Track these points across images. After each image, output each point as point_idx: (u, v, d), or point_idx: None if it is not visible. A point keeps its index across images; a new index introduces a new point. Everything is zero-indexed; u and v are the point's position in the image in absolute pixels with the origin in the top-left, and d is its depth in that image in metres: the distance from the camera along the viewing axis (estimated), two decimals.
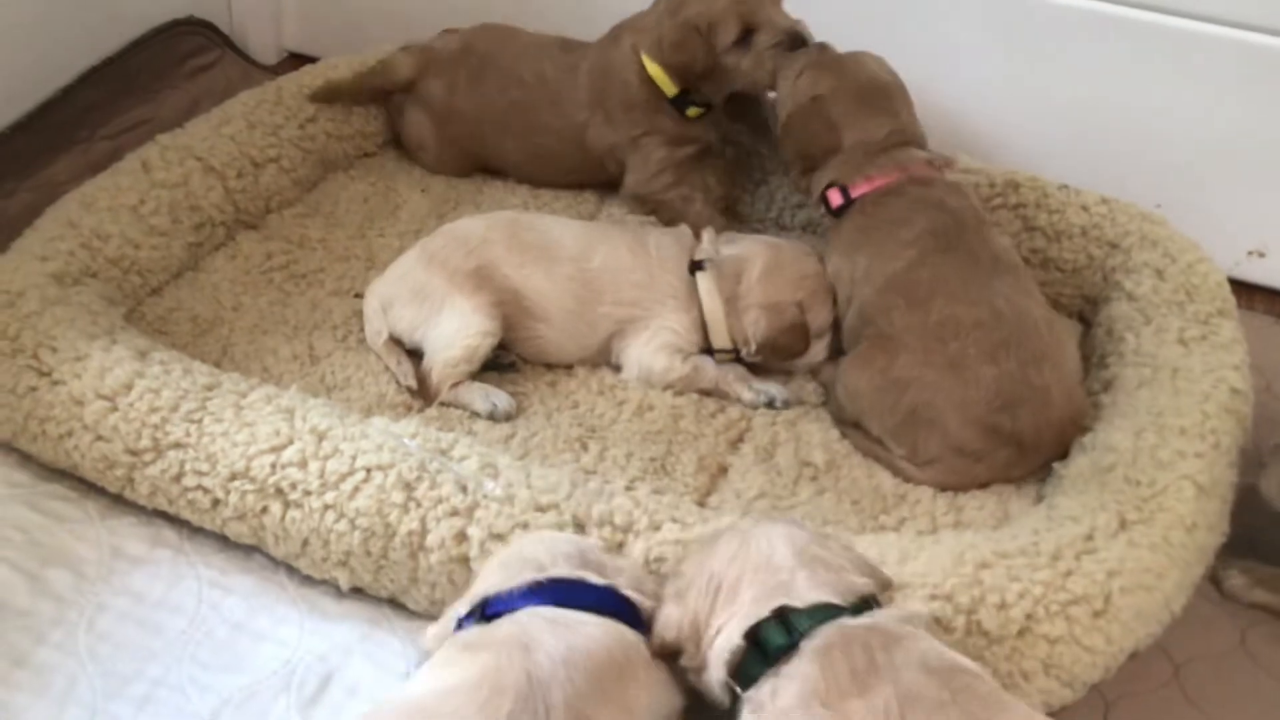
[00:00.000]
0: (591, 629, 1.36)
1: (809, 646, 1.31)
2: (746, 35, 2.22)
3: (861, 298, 2.02)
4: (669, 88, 2.32)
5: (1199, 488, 1.73)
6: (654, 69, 2.31)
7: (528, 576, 1.42)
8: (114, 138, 2.55)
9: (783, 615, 1.34)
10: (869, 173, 2.07)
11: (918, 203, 2.03)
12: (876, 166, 2.07)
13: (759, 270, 2.08)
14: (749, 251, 2.11)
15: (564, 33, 2.53)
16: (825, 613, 1.33)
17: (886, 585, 1.51)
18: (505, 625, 1.36)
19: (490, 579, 1.45)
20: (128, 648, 1.64)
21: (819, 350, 2.10)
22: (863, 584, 1.39)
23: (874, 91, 2.11)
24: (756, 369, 2.10)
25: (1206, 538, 1.73)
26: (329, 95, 2.52)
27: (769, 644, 1.33)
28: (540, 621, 1.35)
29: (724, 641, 1.36)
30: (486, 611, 1.39)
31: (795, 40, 2.20)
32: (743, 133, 2.46)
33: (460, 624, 1.41)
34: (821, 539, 1.46)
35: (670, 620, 1.42)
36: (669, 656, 1.43)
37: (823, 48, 2.18)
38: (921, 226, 2.00)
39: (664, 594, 1.47)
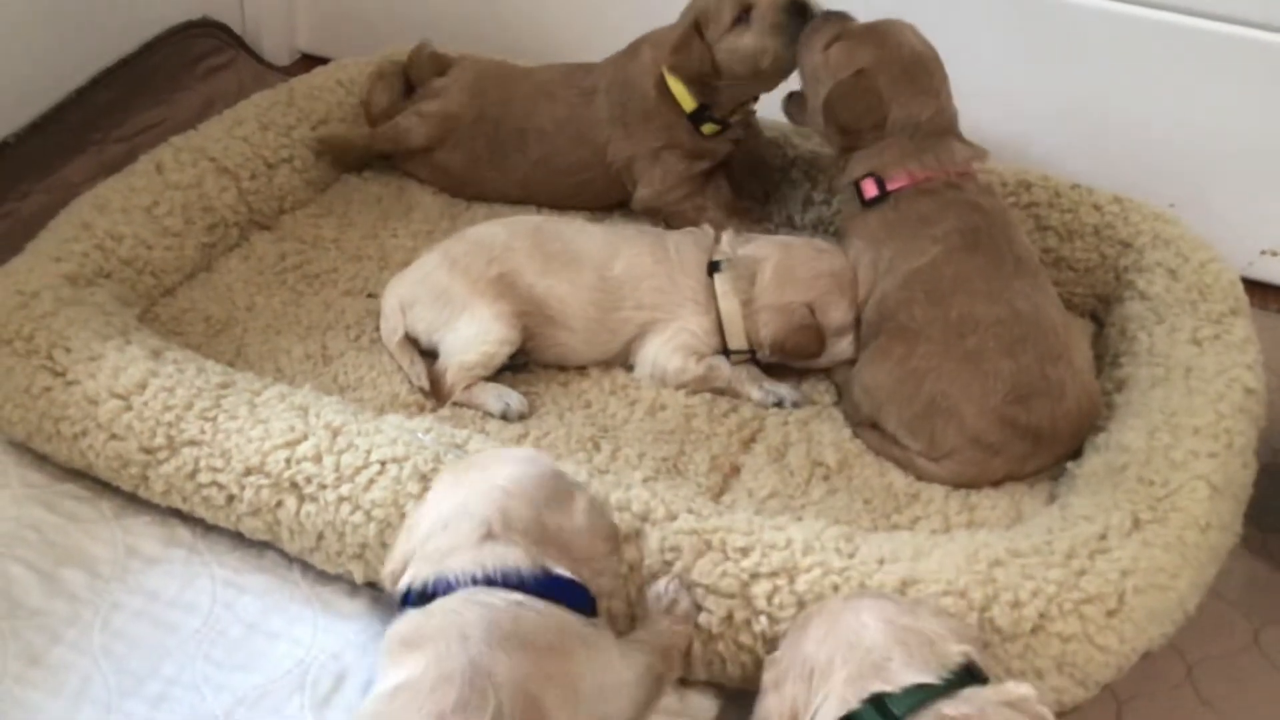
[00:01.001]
0: (525, 612, 1.37)
1: None
2: (744, 14, 2.20)
3: (882, 290, 2.02)
4: (688, 102, 2.30)
5: (1213, 487, 1.72)
6: (674, 83, 2.29)
7: (465, 560, 1.40)
8: (128, 139, 2.57)
9: (878, 702, 1.31)
10: (910, 166, 2.03)
11: (950, 203, 2.01)
12: (918, 161, 2.03)
13: (770, 271, 2.08)
14: (762, 252, 2.10)
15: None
16: (921, 694, 1.30)
17: (984, 644, 1.50)
18: (440, 616, 1.37)
19: (435, 536, 1.44)
20: (142, 646, 1.64)
21: (843, 348, 2.09)
22: (958, 652, 1.35)
23: (917, 65, 2.06)
24: (774, 368, 2.11)
25: (1220, 538, 1.72)
26: (338, 150, 2.51)
27: None
28: (475, 608, 1.36)
29: None
30: (425, 592, 1.41)
31: (798, 7, 2.17)
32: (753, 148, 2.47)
33: (405, 598, 1.42)
34: (911, 607, 1.43)
35: (770, 711, 1.41)
36: None
37: (843, 16, 2.12)
38: (950, 224, 1.99)
39: (763, 682, 1.46)
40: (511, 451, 1.64)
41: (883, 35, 2.07)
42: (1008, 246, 1.99)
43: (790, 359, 2.08)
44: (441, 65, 2.57)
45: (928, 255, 1.98)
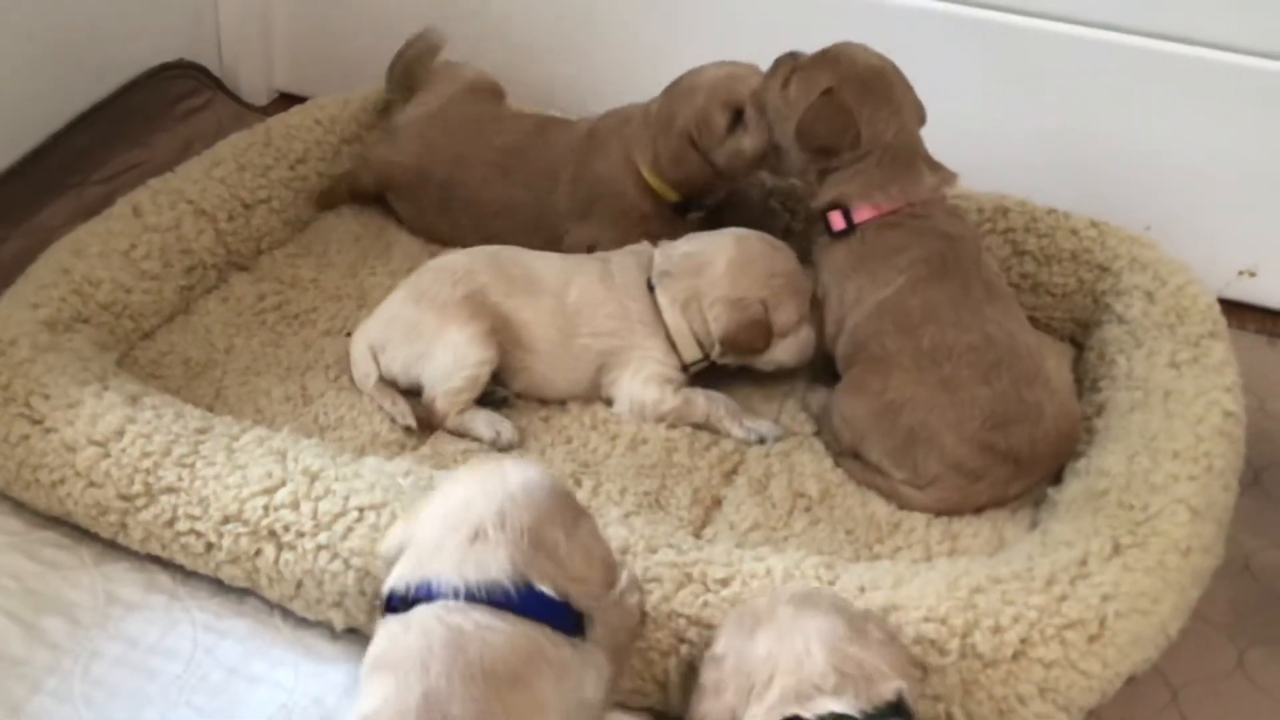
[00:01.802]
0: (497, 637, 1.35)
1: None
2: (738, 116, 2.19)
3: (854, 321, 2.02)
4: (672, 195, 2.28)
5: (1193, 511, 1.72)
6: (655, 182, 2.27)
7: (451, 560, 1.40)
8: (106, 182, 2.56)
9: None
10: (875, 199, 2.03)
11: (916, 232, 2.01)
12: (884, 193, 2.02)
13: (724, 264, 2.07)
14: (713, 246, 2.10)
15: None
16: None
17: (922, 675, 1.52)
18: (413, 634, 1.35)
19: (431, 531, 1.43)
20: (123, 694, 1.63)
21: (784, 349, 2.09)
22: (891, 689, 1.37)
23: (876, 79, 2.05)
24: (729, 380, 2.11)
25: (1202, 560, 1.72)
26: (331, 196, 2.55)
27: None
28: (443, 631, 1.35)
29: None
30: (407, 597, 1.40)
31: None
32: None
33: (390, 600, 1.42)
34: (861, 632, 1.42)
35: (708, 715, 1.42)
36: None
37: (792, 54, 2.12)
38: (915, 254, 1.99)
39: (702, 680, 1.46)
40: (528, 462, 1.61)
41: (835, 56, 2.07)
42: (975, 272, 2.00)
43: (735, 355, 2.09)
44: (414, 81, 2.57)
45: (892, 285, 1.98)
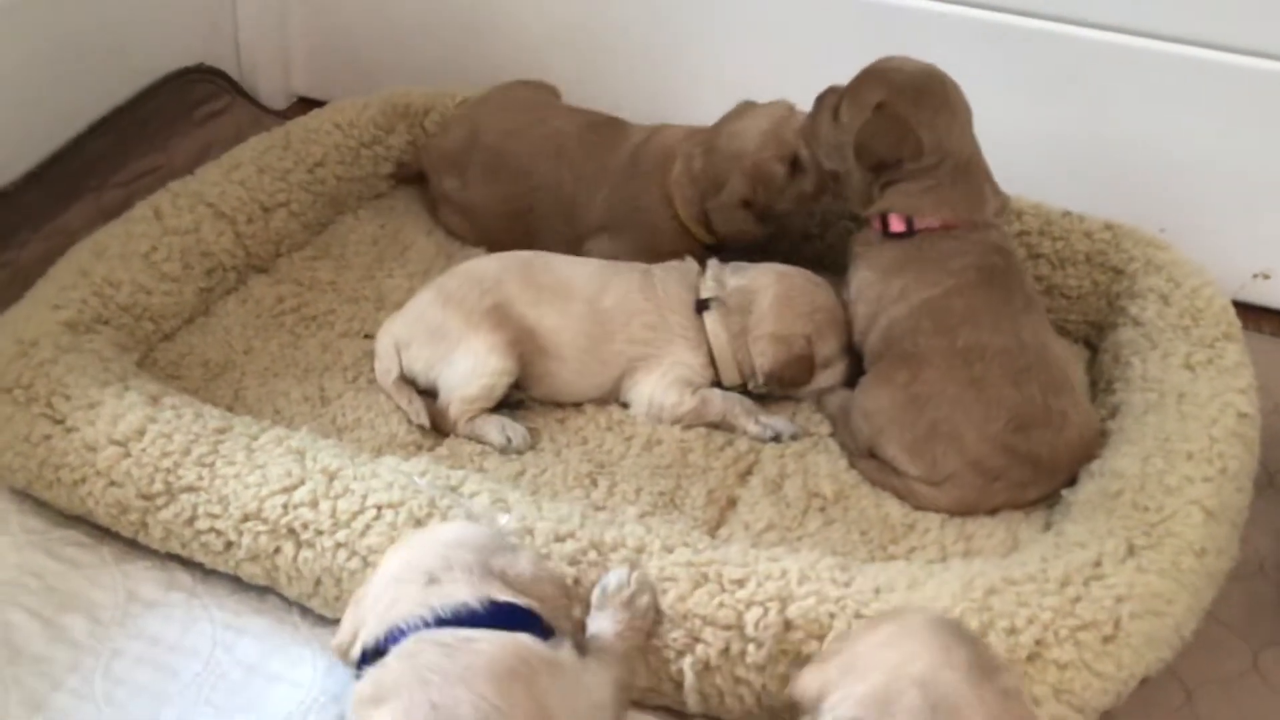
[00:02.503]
0: (482, 644, 1.37)
1: None
2: (795, 164, 2.18)
3: (890, 317, 2.02)
4: (707, 239, 2.29)
5: (1207, 512, 1.73)
6: (695, 228, 2.27)
7: (412, 603, 1.42)
8: (126, 185, 2.58)
9: None
10: (944, 213, 2.02)
11: (973, 243, 2.02)
12: (951, 209, 2.02)
13: (769, 300, 2.09)
14: (758, 283, 2.12)
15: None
16: None
17: None
18: (397, 665, 1.37)
19: (382, 595, 1.45)
20: (143, 692, 1.65)
21: (824, 379, 2.11)
22: None
23: (928, 82, 2.05)
24: (763, 399, 2.12)
25: (1216, 562, 1.73)
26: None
27: None
28: (429, 649, 1.37)
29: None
30: (379, 648, 1.41)
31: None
32: None
33: (361, 660, 1.43)
34: (984, 673, 1.33)
35: (806, 681, 1.41)
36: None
37: (832, 88, 2.12)
38: (969, 260, 2.00)
39: (824, 649, 1.49)
40: (456, 522, 1.65)
41: (880, 71, 2.07)
42: (1019, 285, 2.01)
43: (780, 389, 2.10)
44: None
45: (940, 287, 1.99)
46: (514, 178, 2.42)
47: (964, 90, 2.07)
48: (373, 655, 1.41)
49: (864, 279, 2.09)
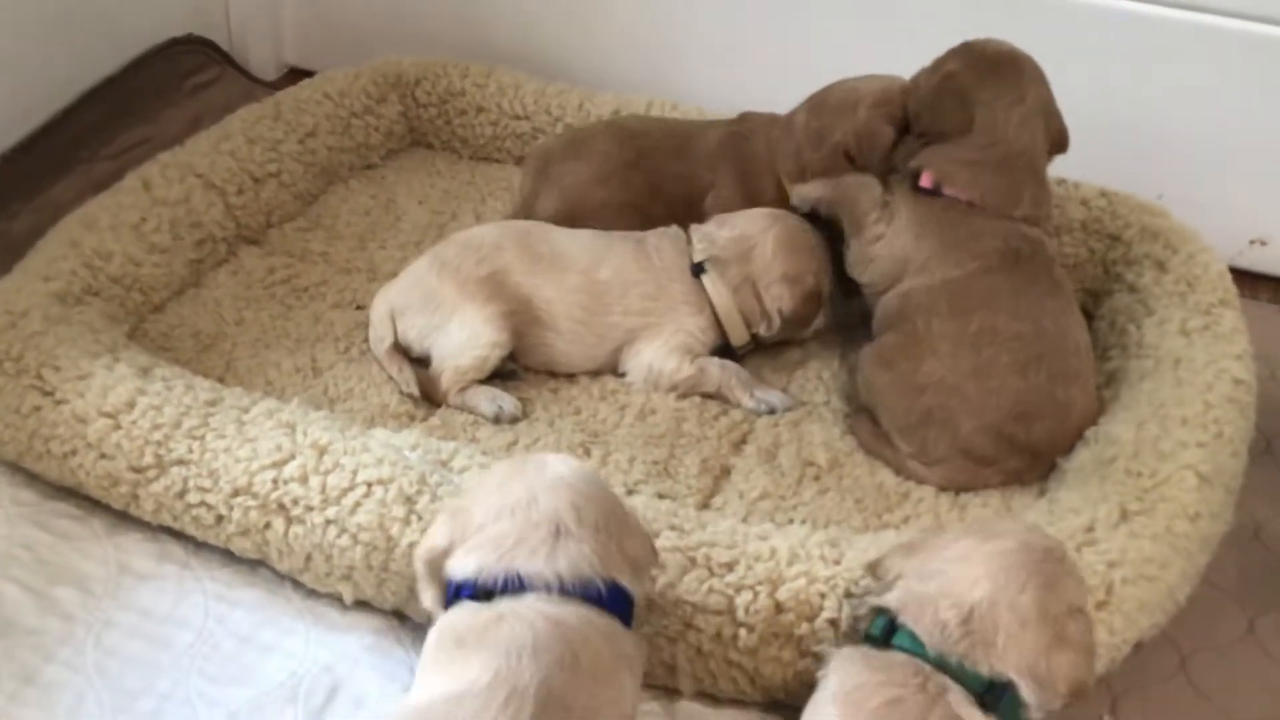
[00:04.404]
0: (594, 634, 1.35)
1: None
2: (904, 129, 2.14)
3: (910, 285, 2.00)
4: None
5: (1201, 477, 1.72)
6: (789, 183, 2.23)
7: (539, 556, 1.38)
8: (116, 157, 2.57)
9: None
10: (972, 193, 1.99)
11: (1001, 227, 1.99)
12: (980, 193, 1.99)
13: (771, 244, 2.09)
14: (752, 228, 2.11)
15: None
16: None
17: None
18: (511, 622, 1.33)
19: (499, 525, 1.41)
20: (135, 663, 1.64)
21: (821, 315, 2.15)
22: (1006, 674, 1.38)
23: (1005, 61, 2.04)
24: (758, 369, 2.12)
25: (1210, 527, 1.73)
26: None
27: None
28: (547, 624, 1.33)
29: None
30: (489, 586, 1.37)
31: None
32: None
33: (461, 589, 1.40)
34: (1056, 626, 1.39)
35: (888, 564, 1.48)
36: None
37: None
38: (996, 244, 1.97)
39: (911, 544, 1.50)
40: (565, 456, 1.56)
41: (969, 45, 2.07)
42: (1045, 270, 1.98)
43: (795, 330, 2.12)
44: None
45: (964, 269, 1.96)
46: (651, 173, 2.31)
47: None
48: (480, 592, 1.38)
49: (897, 230, 2.04)
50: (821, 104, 2.21)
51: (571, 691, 1.30)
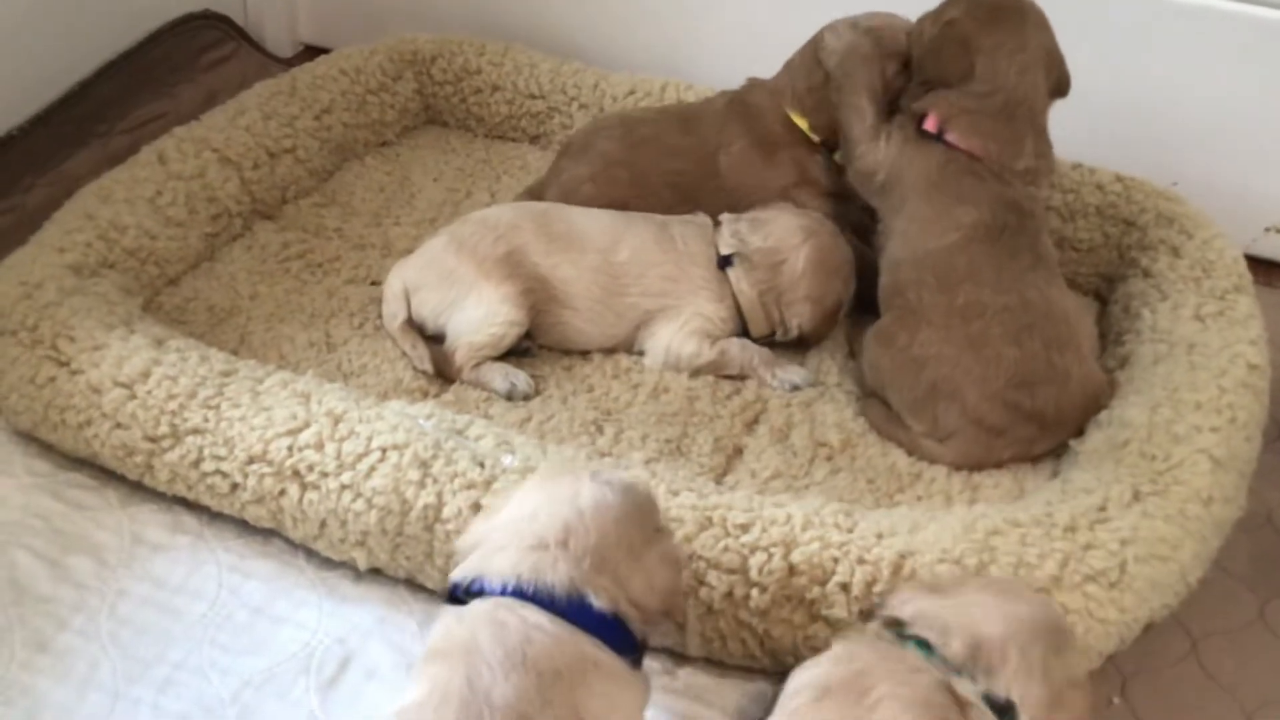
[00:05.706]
0: (538, 635, 1.32)
1: None
2: (905, 65, 2.13)
3: (900, 256, 2.01)
4: (814, 136, 2.23)
5: (1215, 461, 1.72)
6: (801, 121, 2.23)
7: (510, 562, 1.36)
8: (131, 131, 2.58)
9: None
10: (972, 141, 1.98)
11: (991, 193, 1.98)
12: (981, 140, 1.98)
13: (803, 264, 2.08)
14: (786, 244, 2.10)
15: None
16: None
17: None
18: (466, 624, 1.33)
19: (501, 531, 1.40)
20: (149, 632, 1.65)
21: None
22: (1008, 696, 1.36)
23: (1005, 12, 2.02)
24: (774, 345, 2.13)
25: (1223, 510, 1.72)
26: None
27: None
28: (488, 626, 1.31)
29: None
30: (467, 588, 1.38)
31: None
32: None
33: (452, 592, 1.40)
34: (1054, 648, 1.39)
35: (905, 595, 1.46)
36: None
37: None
38: (981, 215, 1.96)
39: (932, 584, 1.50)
40: (617, 474, 1.50)
41: None
42: (1029, 245, 1.97)
43: (810, 340, 2.14)
44: None
45: (946, 239, 1.97)
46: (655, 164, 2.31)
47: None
48: (461, 594, 1.38)
49: (912, 178, 2.03)
50: (818, 35, 2.23)
51: (502, 688, 1.27)
